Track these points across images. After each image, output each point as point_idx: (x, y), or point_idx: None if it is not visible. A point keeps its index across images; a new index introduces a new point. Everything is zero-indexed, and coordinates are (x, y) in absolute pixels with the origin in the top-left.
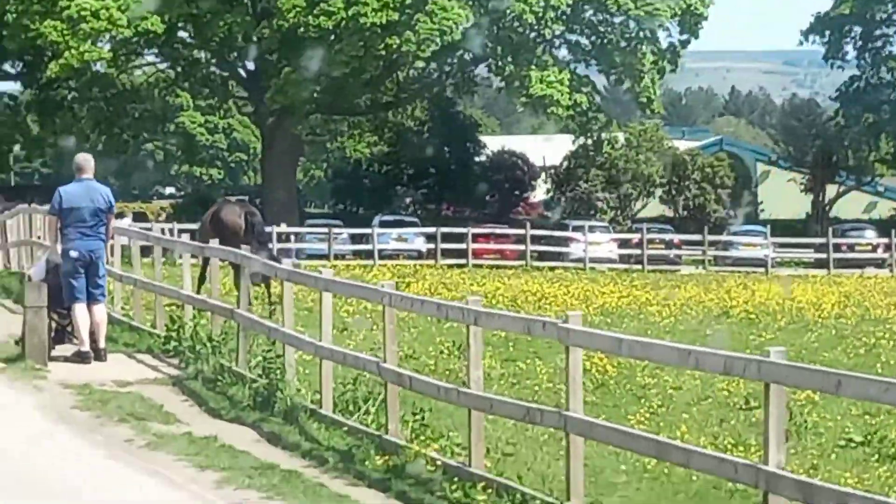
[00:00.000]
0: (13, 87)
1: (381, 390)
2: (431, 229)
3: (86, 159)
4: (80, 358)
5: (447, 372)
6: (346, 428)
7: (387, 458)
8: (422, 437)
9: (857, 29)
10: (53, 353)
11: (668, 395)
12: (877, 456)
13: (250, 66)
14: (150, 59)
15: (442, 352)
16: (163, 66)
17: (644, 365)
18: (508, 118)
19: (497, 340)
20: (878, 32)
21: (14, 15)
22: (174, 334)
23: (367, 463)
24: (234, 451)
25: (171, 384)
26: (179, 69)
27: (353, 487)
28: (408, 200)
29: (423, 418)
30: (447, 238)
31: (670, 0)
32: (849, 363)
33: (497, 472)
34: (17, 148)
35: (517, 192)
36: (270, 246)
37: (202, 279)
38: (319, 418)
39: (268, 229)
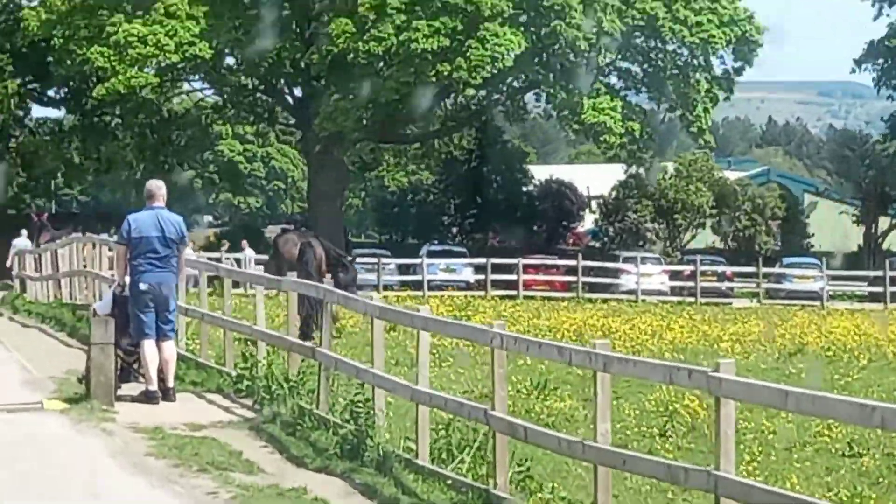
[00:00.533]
0: (58, 113)
1: (475, 436)
2: (481, 260)
3: (158, 186)
4: (147, 398)
5: (529, 413)
6: (447, 481)
7: None
8: (528, 490)
9: None
10: (119, 392)
11: (765, 440)
12: None
13: (298, 92)
14: (196, 84)
15: (519, 391)
16: (209, 92)
17: (741, 406)
18: (545, 147)
19: (574, 379)
20: None
21: (61, 40)
22: (246, 373)
23: None
24: None
25: (248, 428)
26: (226, 96)
27: None
28: (454, 230)
29: (528, 469)
30: (497, 269)
31: (725, 27)
32: None
33: None
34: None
35: (565, 223)
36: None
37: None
38: (415, 469)
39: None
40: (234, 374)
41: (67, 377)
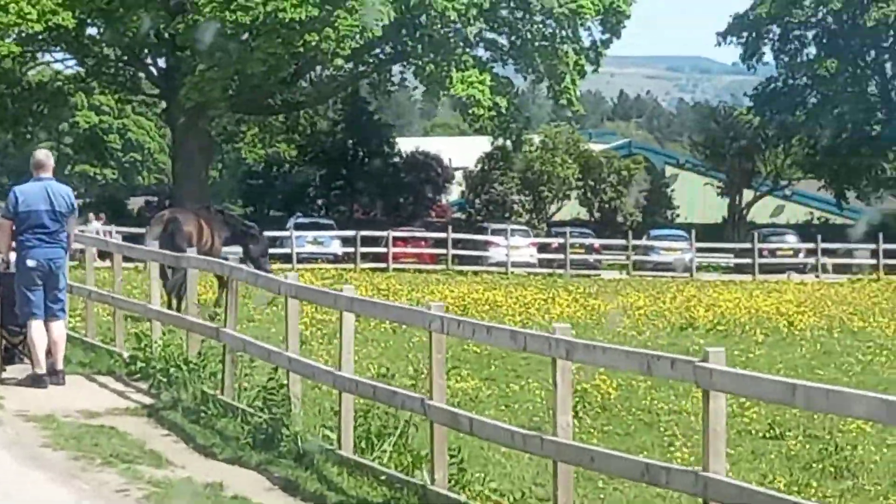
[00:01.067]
0: None
1: (396, 423)
2: (350, 232)
3: (47, 155)
4: (35, 382)
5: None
6: (377, 475)
7: None
8: (462, 484)
9: (776, 30)
10: (4, 375)
11: (682, 421)
12: None
13: (162, 63)
14: (58, 55)
15: (417, 370)
16: (71, 62)
17: (646, 385)
18: (399, 120)
19: (470, 356)
20: (795, 33)
21: None
22: (140, 354)
23: None
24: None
25: (147, 415)
26: (88, 66)
27: None
28: (319, 203)
29: (461, 461)
30: (365, 241)
31: None
32: (849, 382)
33: None
34: None
35: (431, 195)
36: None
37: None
38: (339, 461)
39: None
40: (125, 354)
41: None
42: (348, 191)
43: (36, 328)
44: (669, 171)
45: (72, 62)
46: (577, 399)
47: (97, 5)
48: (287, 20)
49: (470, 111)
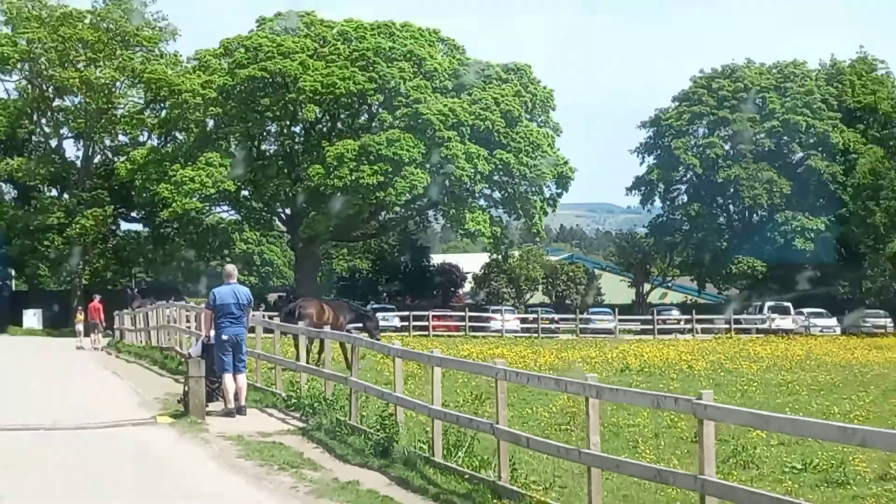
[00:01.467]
0: (138, 227)
1: (464, 439)
2: (405, 313)
3: (234, 269)
4: (228, 414)
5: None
6: (462, 474)
7: (504, 501)
8: (528, 485)
9: (662, 186)
10: (208, 409)
11: (668, 441)
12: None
13: (288, 211)
14: (225, 207)
15: (467, 401)
16: (232, 212)
17: (645, 416)
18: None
19: (491, 391)
20: (674, 187)
21: (140, 181)
22: (294, 394)
23: None
24: (376, 495)
25: (301, 434)
26: (242, 214)
27: None
28: (385, 295)
29: (514, 466)
30: (416, 318)
31: (551, 168)
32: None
33: None
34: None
35: (452, 289)
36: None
37: (308, 353)
38: (433, 465)
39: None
40: (283, 395)
41: (167, 398)
42: (402, 288)
43: (228, 379)
44: (597, 272)
45: (232, 212)
46: (568, 418)
47: (248, 178)
48: (365, 184)
49: (478, 238)
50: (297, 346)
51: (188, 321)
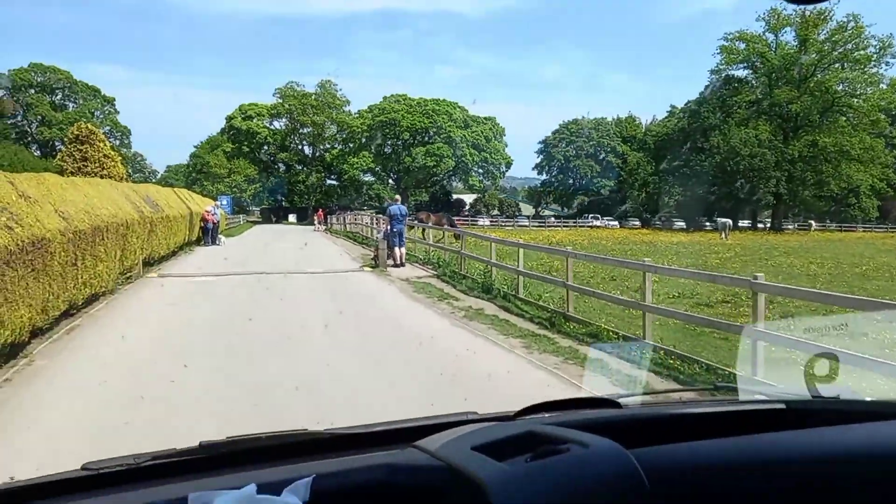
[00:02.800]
0: (334, 182)
1: (544, 290)
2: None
3: (398, 197)
4: (396, 266)
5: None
6: (545, 308)
7: (571, 324)
8: (580, 312)
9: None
10: (388, 266)
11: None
12: None
13: (395, 176)
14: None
15: (537, 268)
16: (370, 175)
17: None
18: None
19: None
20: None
21: (336, 163)
22: (426, 258)
23: (567, 325)
24: (497, 318)
25: (436, 277)
26: (375, 176)
27: (560, 336)
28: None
29: (573, 308)
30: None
31: (504, 159)
32: None
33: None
34: None
35: (459, 209)
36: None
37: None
38: (519, 300)
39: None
40: (420, 257)
41: (363, 258)
42: (437, 208)
43: (396, 249)
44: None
45: (370, 175)
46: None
47: (378, 162)
48: (428, 164)
49: (474, 187)
50: (423, 234)
51: (366, 222)
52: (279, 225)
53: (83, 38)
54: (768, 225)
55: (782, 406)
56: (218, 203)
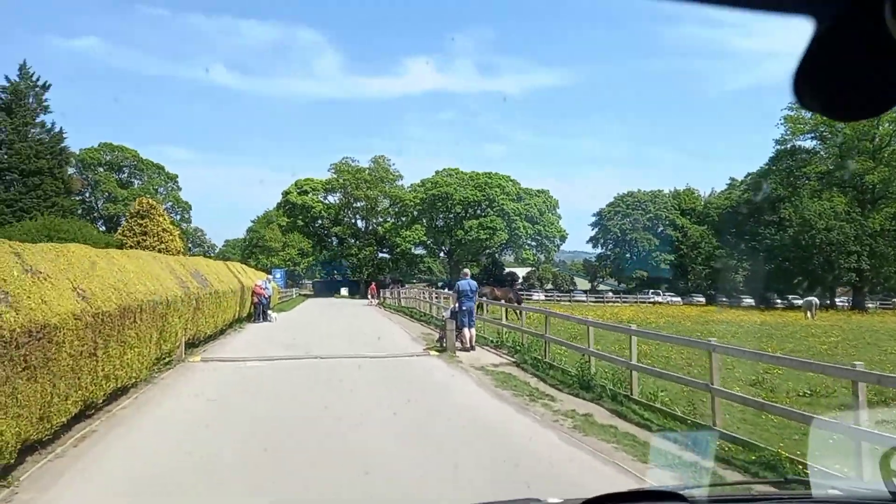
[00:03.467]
0: (386, 255)
1: (657, 387)
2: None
3: (468, 271)
4: (465, 349)
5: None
6: (664, 412)
7: (736, 447)
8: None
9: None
10: (457, 351)
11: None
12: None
13: (446, 248)
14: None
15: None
16: (421, 248)
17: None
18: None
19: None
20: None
21: (389, 235)
22: (499, 339)
23: (726, 447)
24: (615, 430)
25: (515, 366)
26: (427, 250)
27: (725, 467)
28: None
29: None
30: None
31: (558, 231)
32: None
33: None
34: None
35: (511, 282)
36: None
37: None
38: (634, 401)
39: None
40: (492, 339)
41: (424, 338)
42: (489, 282)
43: (465, 331)
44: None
45: (421, 248)
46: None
47: (429, 235)
48: (480, 237)
49: (526, 261)
50: (505, 313)
51: (424, 297)
52: (332, 298)
53: (150, 120)
54: (846, 304)
55: None
56: (270, 277)
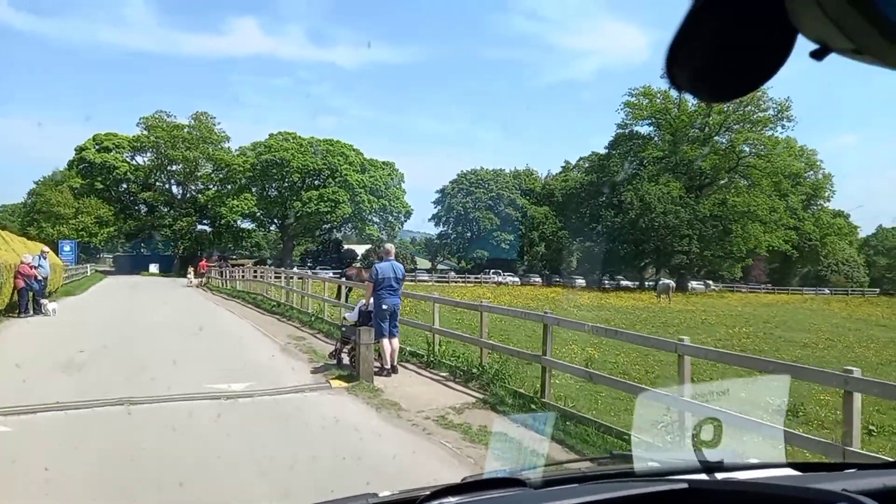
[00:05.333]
0: (206, 227)
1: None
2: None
3: (392, 247)
4: (385, 373)
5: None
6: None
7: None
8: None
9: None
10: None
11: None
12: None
13: (277, 222)
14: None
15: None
16: (248, 221)
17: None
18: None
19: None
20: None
21: (210, 205)
22: (430, 351)
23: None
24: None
25: (486, 405)
26: (256, 222)
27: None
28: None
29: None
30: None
31: (403, 206)
32: None
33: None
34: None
35: (349, 262)
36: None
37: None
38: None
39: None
40: (420, 352)
41: (301, 344)
42: (327, 261)
43: (385, 343)
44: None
45: (248, 221)
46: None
47: (260, 206)
48: (321, 210)
49: (368, 237)
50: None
51: (276, 278)
52: (138, 277)
53: None
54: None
55: (685, 486)
56: (46, 251)
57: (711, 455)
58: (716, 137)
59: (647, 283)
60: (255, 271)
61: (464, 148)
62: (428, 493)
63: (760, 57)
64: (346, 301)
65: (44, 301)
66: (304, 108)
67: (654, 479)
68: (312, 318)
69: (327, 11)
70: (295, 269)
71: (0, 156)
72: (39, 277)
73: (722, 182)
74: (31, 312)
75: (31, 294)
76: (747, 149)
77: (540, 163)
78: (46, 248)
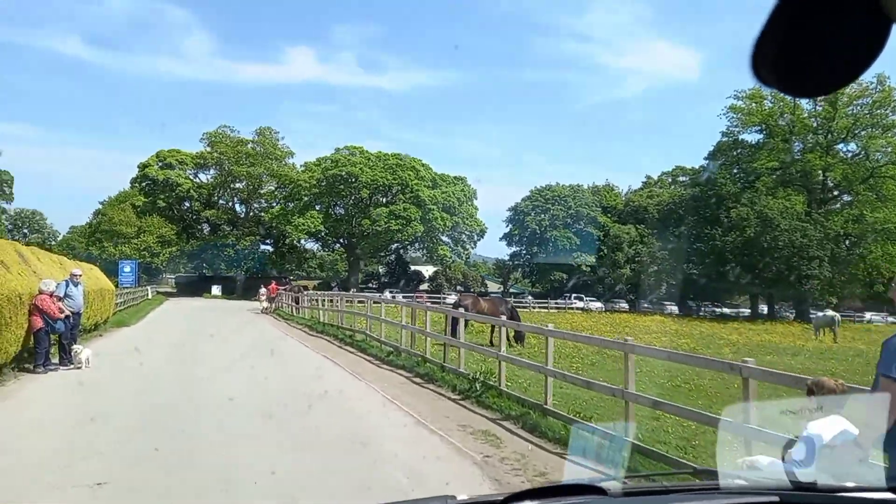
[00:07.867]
0: (268, 248)
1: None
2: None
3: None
4: None
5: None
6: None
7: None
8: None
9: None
10: None
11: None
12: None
13: (343, 241)
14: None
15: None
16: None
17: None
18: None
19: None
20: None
21: (274, 224)
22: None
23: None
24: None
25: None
26: (321, 242)
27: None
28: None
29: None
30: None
31: (476, 226)
32: None
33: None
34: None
35: (416, 283)
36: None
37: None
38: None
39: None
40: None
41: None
42: (395, 282)
43: None
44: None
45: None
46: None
47: (327, 225)
48: (391, 229)
49: (442, 259)
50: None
51: (363, 303)
52: (201, 300)
53: None
54: (791, 314)
55: (775, 499)
56: (79, 272)
57: (804, 476)
58: (839, 145)
59: (760, 311)
60: (337, 298)
61: (510, 169)
62: (504, 496)
63: (852, 49)
64: (460, 338)
65: (75, 347)
66: (352, 131)
67: (742, 492)
68: (472, 380)
69: (378, 39)
70: (387, 294)
71: (76, 183)
72: (67, 312)
73: (847, 197)
74: (54, 363)
75: (53, 336)
76: (881, 157)
77: (619, 179)
78: (79, 271)
